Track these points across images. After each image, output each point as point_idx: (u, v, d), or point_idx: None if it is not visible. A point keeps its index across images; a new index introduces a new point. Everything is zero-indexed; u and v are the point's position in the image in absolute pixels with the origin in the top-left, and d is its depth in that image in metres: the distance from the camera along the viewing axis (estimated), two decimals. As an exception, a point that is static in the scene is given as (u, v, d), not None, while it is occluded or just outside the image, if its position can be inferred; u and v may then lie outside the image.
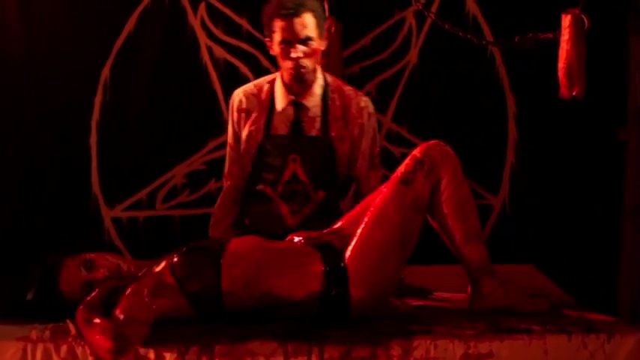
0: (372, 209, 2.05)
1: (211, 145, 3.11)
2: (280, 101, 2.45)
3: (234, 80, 3.09)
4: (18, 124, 3.02)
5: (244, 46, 3.13)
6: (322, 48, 2.45)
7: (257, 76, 3.07)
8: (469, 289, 2.14)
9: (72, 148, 3.04)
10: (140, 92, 3.06)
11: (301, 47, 2.34)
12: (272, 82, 2.52)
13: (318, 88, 2.49)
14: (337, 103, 2.50)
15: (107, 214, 3.06)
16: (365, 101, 2.54)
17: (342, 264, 1.99)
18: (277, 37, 2.34)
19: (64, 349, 1.82)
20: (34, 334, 1.85)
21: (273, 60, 3.06)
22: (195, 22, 3.08)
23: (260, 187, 2.44)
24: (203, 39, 3.09)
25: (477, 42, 2.51)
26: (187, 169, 3.09)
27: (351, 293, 1.96)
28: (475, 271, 2.10)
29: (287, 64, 2.37)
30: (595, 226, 3.19)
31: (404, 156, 3.11)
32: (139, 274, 2.01)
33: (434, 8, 3.11)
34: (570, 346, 1.87)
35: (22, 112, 3.01)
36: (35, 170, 3.02)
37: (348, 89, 2.56)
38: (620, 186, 3.17)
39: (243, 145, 2.48)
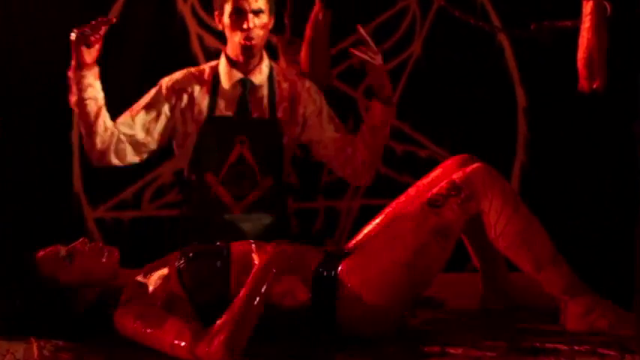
0: (387, 226, 1.91)
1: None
2: (226, 79, 2.41)
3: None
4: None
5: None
6: (270, 25, 2.45)
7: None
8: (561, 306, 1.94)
9: (52, 143, 2.93)
10: (126, 84, 2.91)
11: (253, 18, 2.34)
12: (215, 65, 2.47)
13: (265, 68, 2.47)
14: (283, 85, 2.48)
15: (90, 215, 2.97)
16: (309, 82, 2.51)
17: (333, 273, 1.84)
18: (229, 7, 2.35)
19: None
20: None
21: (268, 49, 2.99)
22: (184, 9, 2.99)
23: (202, 174, 2.36)
24: (193, 27, 3.00)
25: (489, 29, 2.41)
26: (175, 167, 2.95)
27: (337, 306, 1.81)
28: (562, 294, 1.92)
29: (237, 36, 2.36)
30: (610, 225, 3.05)
31: (406, 154, 3.12)
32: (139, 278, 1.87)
33: (440, -5, 3.01)
34: (603, 368, 1.71)
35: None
36: (13, 168, 2.89)
37: (291, 72, 2.54)
38: (637, 183, 3.06)
39: (180, 128, 2.40)
